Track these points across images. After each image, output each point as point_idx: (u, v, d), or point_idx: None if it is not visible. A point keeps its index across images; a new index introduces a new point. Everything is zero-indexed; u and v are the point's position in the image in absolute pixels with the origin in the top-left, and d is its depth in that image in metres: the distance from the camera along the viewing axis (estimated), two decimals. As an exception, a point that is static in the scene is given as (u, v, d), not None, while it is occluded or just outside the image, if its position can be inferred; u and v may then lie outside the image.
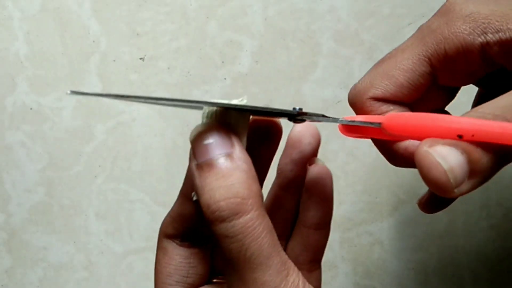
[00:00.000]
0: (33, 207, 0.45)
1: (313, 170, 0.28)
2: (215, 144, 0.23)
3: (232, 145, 0.23)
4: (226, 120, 0.24)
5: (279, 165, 0.29)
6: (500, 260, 0.44)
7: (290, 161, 0.29)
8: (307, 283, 0.24)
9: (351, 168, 0.44)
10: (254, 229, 0.23)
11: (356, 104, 0.28)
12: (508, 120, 0.22)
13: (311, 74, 0.44)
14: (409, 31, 0.44)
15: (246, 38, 0.44)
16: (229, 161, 0.23)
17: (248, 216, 0.23)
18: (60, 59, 0.44)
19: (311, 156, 0.29)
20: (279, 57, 0.44)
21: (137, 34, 0.44)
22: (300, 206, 0.30)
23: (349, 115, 0.45)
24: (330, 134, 0.41)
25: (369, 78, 0.28)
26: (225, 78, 0.44)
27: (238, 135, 0.24)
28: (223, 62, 0.44)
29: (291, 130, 0.28)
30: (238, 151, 0.23)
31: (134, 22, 0.44)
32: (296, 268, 0.24)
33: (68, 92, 0.21)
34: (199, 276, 0.28)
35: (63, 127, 0.44)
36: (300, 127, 0.28)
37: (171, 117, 0.44)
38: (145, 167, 0.44)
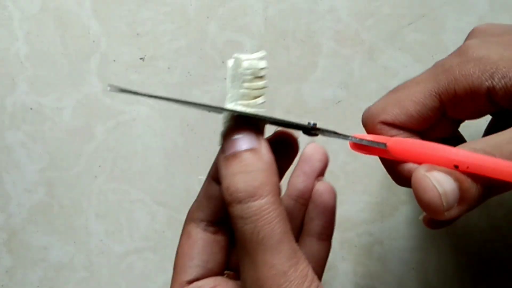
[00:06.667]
0: (33, 207, 0.45)
1: (320, 185, 0.31)
2: (243, 139, 0.26)
3: (259, 143, 0.26)
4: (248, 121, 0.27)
5: (291, 177, 0.31)
6: (500, 260, 0.44)
7: (302, 173, 0.31)
8: (316, 276, 0.25)
9: (351, 168, 0.44)
10: (268, 213, 0.24)
11: (368, 126, 0.30)
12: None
13: (311, 74, 0.44)
14: (409, 31, 0.44)
15: (246, 38, 0.44)
16: (253, 154, 0.25)
17: (264, 200, 0.24)
18: (60, 59, 0.44)
19: (320, 172, 0.31)
20: (279, 57, 0.44)
21: (137, 34, 0.44)
22: (306, 216, 0.32)
23: (349, 115, 0.45)
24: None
25: (383, 103, 0.30)
26: (225, 78, 0.43)
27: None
28: (223, 62, 0.44)
29: (304, 149, 0.31)
30: (264, 148, 0.26)
31: (134, 22, 0.44)
32: (307, 261, 0.25)
33: (108, 88, 0.23)
34: (217, 263, 0.30)
35: (63, 127, 0.44)
36: (312, 146, 0.31)
37: (171, 117, 0.44)
38: (145, 167, 0.44)
